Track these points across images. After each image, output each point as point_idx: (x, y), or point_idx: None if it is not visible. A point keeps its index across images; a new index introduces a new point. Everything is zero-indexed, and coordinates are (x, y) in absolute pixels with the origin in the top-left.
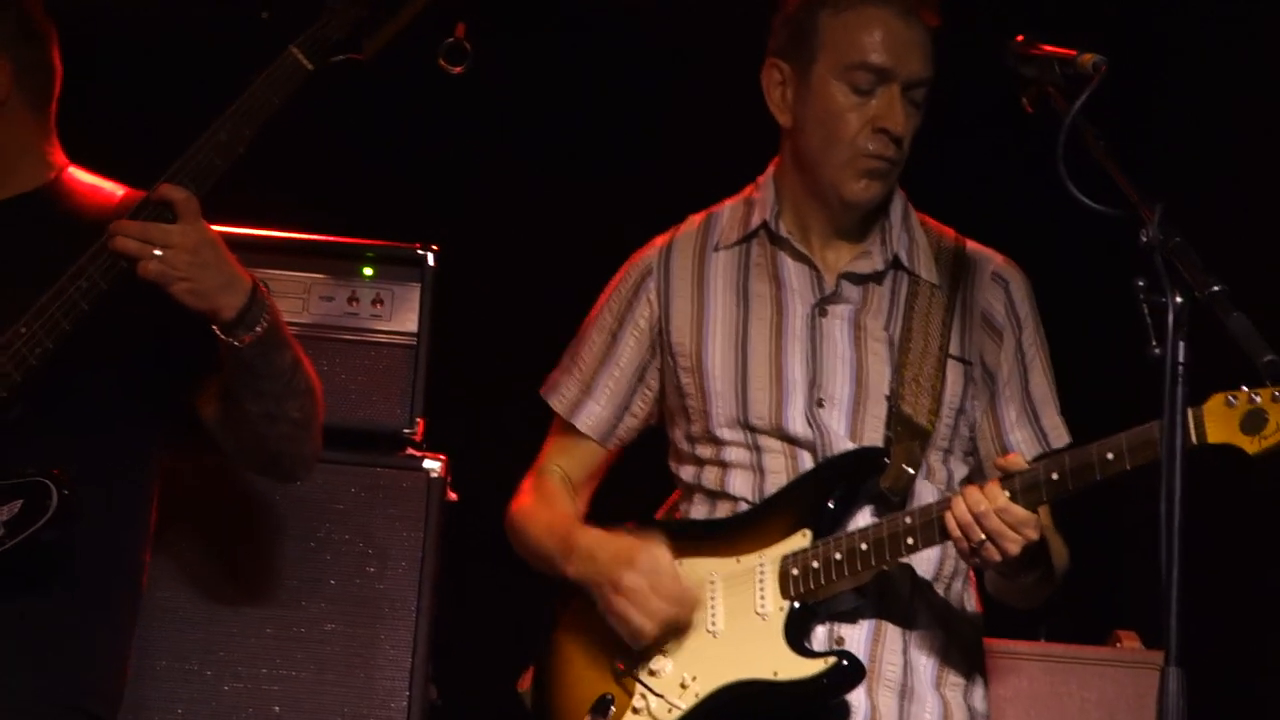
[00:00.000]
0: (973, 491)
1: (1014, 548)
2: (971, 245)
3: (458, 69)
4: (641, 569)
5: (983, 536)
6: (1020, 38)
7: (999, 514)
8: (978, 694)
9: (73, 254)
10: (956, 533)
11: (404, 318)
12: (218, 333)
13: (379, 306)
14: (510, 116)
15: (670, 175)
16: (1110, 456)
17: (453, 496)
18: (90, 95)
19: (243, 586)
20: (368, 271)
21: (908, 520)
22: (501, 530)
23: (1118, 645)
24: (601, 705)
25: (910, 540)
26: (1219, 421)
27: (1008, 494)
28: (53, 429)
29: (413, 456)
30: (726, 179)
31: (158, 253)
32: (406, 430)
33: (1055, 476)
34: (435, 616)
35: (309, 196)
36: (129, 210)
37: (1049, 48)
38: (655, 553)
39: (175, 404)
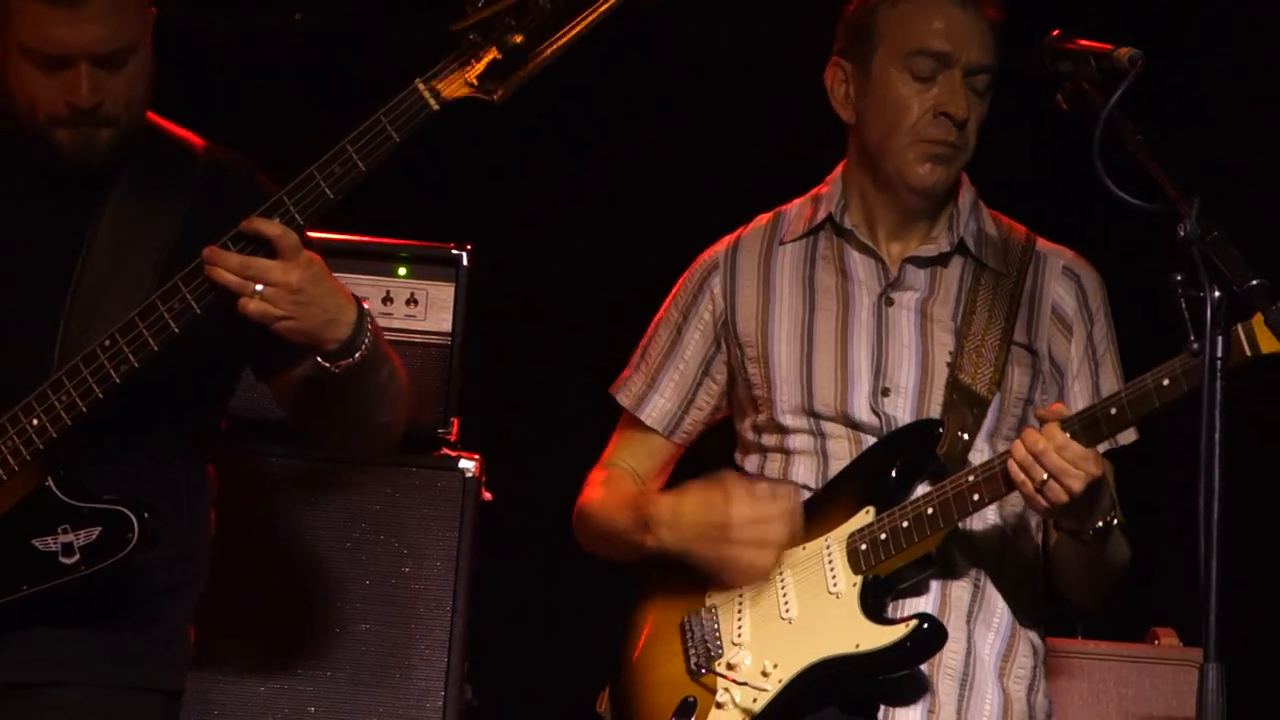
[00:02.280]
0: (1030, 432)
1: (1077, 484)
2: (1043, 242)
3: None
4: (736, 491)
5: (1044, 476)
6: (1056, 32)
7: (1059, 451)
8: (1040, 690)
9: (152, 238)
10: (1020, 475)
11: (438, 317)
12: (318, 360)
13: (414, 306)
14: (547, 114)
15: (705, 174)
16: (1166, 382)
17: (487, 496)
18: None
19: (277, 588)
20: (402, 271)
21: (970, 478)
22: (537, 529)
23: (1156, 642)
24: (685, 708)
25: (976, 496)
26: (1267, 333)
27: (1068, 434)
28: (128, 438)
29: (447, 456)
30: (761, 178)
31: (259, 288)
32: (441, 430)
33: (1114, 411)
34: (470, 616)
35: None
36: (217, 169)
37: (1085, 42)
38: (733, 475)
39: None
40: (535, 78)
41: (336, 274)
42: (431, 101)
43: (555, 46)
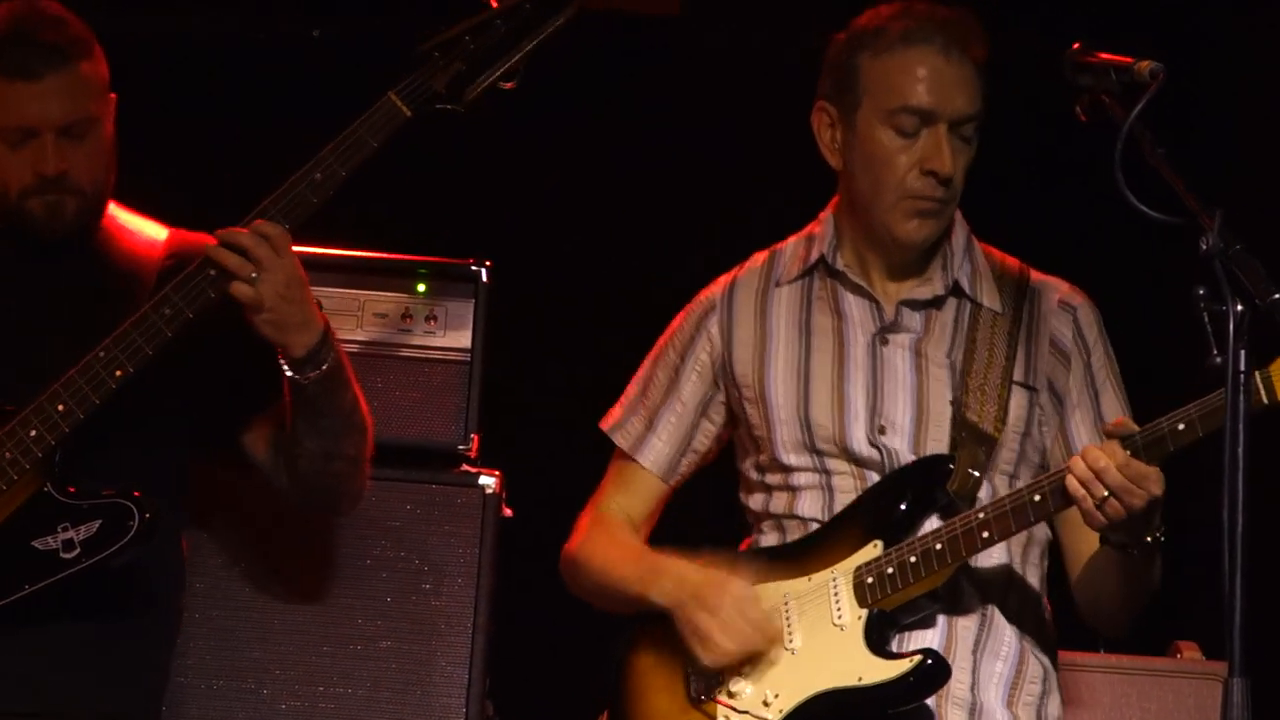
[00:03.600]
0: (1091, 449)
1: (1139, 502)
2: (1036, 275)
3: (510, 84)
4: (734, 594)
5: (1105, 493)
6: (1076, 45)
7: (1121, 469)
8: (1051, 704)
9: (116, 301)
10: (1080, 491)
11: (458, 334)
12: (285, 368)
13: (433, 323)
14: (564, 131)
15: (721, 192)
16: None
17: (508, 512)
18: (143, 114)
19: (298, 605)
20: (421, 288)
21: (980, 515)
22: (557, 545)
23: (1178, 656)
24: None
25: (986, 534)
26: None
27: (1129, 451)
28: (110, 450)
29: (467, 473)
30: (775, 201)
31: (254, 275)
32: (461, 446)
33: (1182, 426)
34: (491, 633)
35: (362, 213)
36: (183, 250)
37: (1105, 55)
38: (746, 583)
39: (224, 434)
40: (493, 88)
41: (355, 290)
42: (404, 109)
43: (510, 63)
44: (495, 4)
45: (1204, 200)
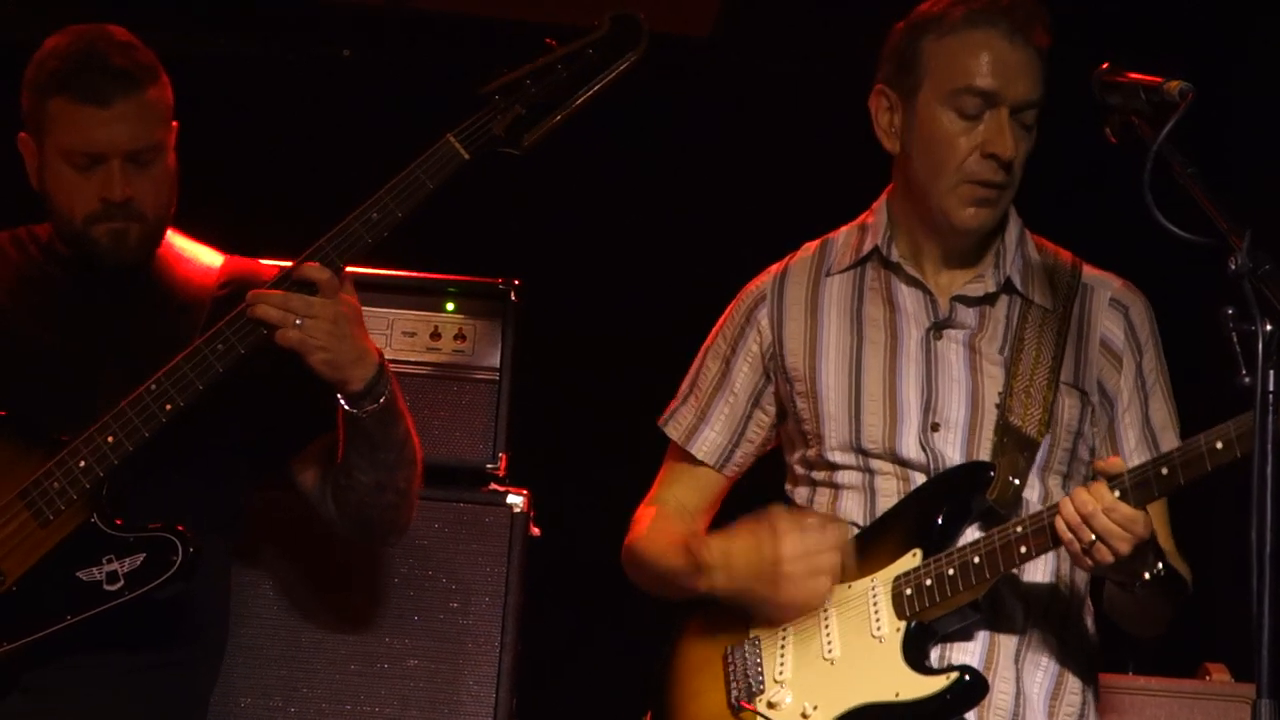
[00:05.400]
0: (1080, 493)
1: (1124, 546)
2: (1089, 269)
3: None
4: (784, 526)
5: (1093, 537)
6: (1105, 65)
7: (1107, 513)
8: (1091, 716)
9: (171, 330)
10: (1067, 535)
11: (487, 353)
12: (343, 403)
13: (462, 342)
14: (594, 150)
15: (750, 211)
16: (1219, 445)
17: (535, 531)
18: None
19: (326, 623)
20: (450, 307)
21: (1019, 529)
22: (585, 565)
23: (1207, 678)
24: None
25: (1024, 549)
26: None
27: (1116, 493)
28: (162, 483)
29: (496, 492)
30: (805, 219)
31: (298, 322)
32: (490, 465)
33: (1165, 471)
34: (518, 652)
35: (391, 232)
36: (239, 278)
37: (1135, 75)
38: (780, 510)
39: (276, 466)
40: (555, 132)
41: (384, 309)
42: (463, 152)
43: (571, 107)
44: (556, 45)
45: (1234, 219)
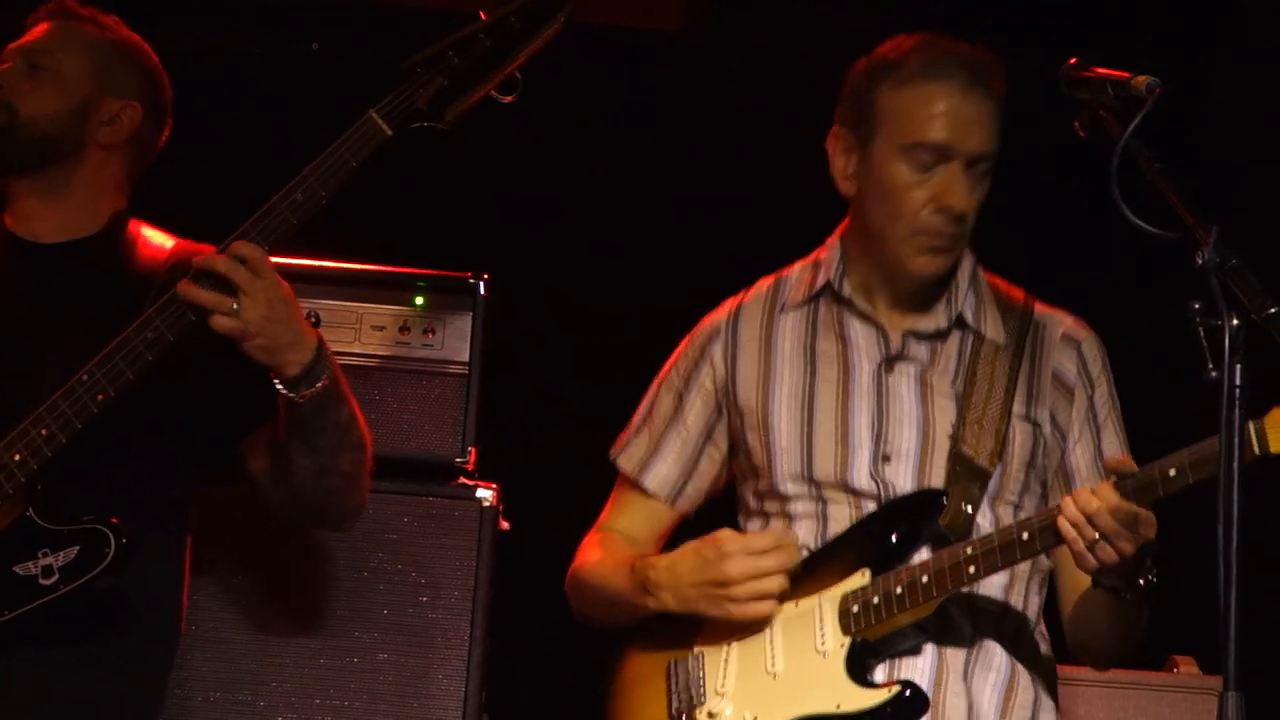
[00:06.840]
0: (1084, 492)
1: (1129, 546)
2: (1041, 307)
3: (509, 98)
4: (731, 548)
5: (1096, 535)
6: (1073, 60)
7: (1112, 512)
8: (1044, 710)
9: (120, 304)
10: (1071, 533)
11: (456, 347)
12: (279, 387)
13: (430, 336)
14: (563, 144)
15: (722, 207)
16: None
17: (505, 525)
18: None
19: (295, 617)
20: (419, 301)
21: (969, 550)
22: (555, 559)
23: (1175, 670)
24: None
25: (972, 569)
26: (1278, 434)
27: (1121, 493)
28: (105, 474)
29: (465, 485)
30: (778, 216)
31: (234, 306)
32: (459, 459)
33: (1173, 473)
34: (488, 646)
35: (360, 226)
36: (184, 262)
37: (1102, 70)
38: (727, 532)
39: (222, 454)
40: (478, 105)
41: (353, 303)
42: (385, 128)
43: (497, 76)
44: (485, 16)
45: (1201, 214)
